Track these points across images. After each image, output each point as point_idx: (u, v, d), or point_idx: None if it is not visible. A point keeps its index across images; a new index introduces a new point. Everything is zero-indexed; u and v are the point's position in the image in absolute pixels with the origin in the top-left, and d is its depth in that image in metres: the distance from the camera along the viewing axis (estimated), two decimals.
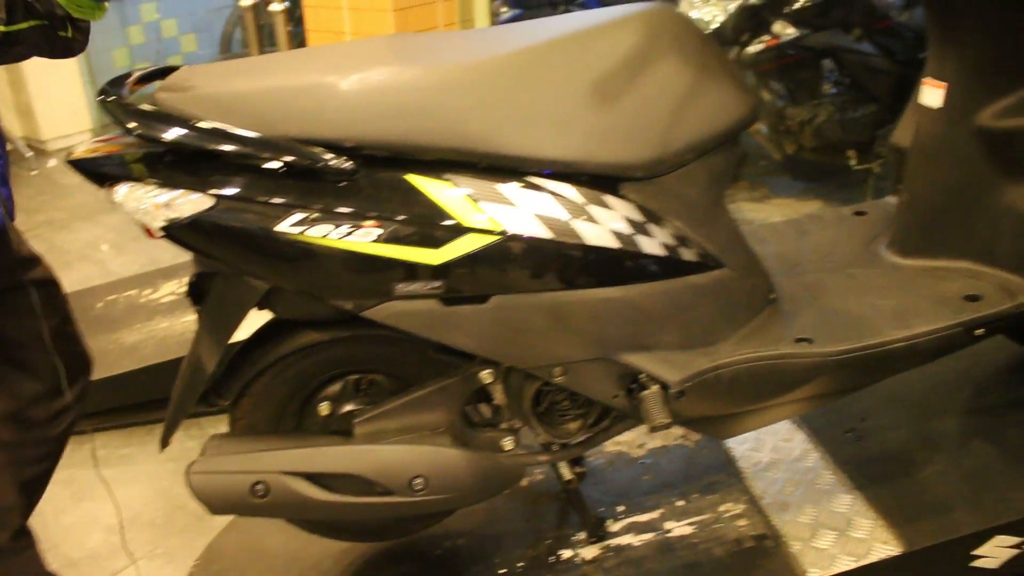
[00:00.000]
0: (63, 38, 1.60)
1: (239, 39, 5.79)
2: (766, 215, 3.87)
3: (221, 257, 1.43)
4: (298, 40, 4.27)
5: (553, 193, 1.45)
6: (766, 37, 3.61)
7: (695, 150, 1.54)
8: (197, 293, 1.56)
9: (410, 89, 1.41)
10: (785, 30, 3.59)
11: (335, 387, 1.68)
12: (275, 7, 3.76)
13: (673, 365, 1.59)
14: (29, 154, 5.05)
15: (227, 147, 1.36)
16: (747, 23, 3.61)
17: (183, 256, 1.46)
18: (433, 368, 1.64)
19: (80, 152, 1.42)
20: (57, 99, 5.17)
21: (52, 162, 5.08)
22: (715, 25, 3.62)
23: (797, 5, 3.55)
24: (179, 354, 2.44)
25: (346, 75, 1.41)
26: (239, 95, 1.40)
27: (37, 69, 4.90)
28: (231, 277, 1.49)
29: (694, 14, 3.67)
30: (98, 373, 1.94)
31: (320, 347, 1.61)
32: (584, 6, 5.04)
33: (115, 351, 2.76)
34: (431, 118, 1.41)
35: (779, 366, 1.65)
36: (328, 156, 1.37)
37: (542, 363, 1.56)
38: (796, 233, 2.14)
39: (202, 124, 1.36)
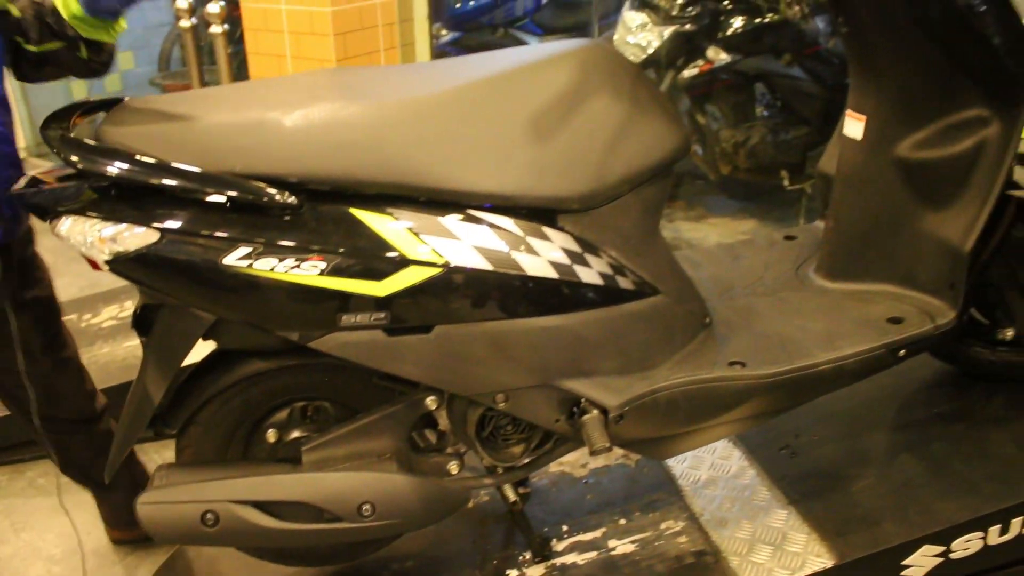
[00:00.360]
0: (82, 59, 1.61)
1: (178, 57, 5.73)
2: (703, 234, 3.95)
3: (167, 290, 1.44)
4: (238, 60, 4.23)
5: (493, 226, 1.48)
6: (700, 62, 3.70)
7: (629, 183, 1.58)
8: (142, 324, 1.55)
9: (352, 125, 1.44)
10: (718, 55, 3.68)
11: (282, 414, 1.69)
12: (215, 29, 3.72)
13: (612, 390, 1.63)
14: None
15: (171, 182, 1.37)
16: (682, 49, 3.69)
17: (123, 280, 1.46)
18: (379, 395, 1.66)
19: (22, 185, 1.42)
20: None
21: None
22: (651, 51, 3.69)
23: (730, 31, 3.64)
24: (122, 379, 2.44)
25: (289, 111, 1.42)
26: (183, 130, 1.41)
27: None
28: (177, 309, 1.49)
29: (630, 39, 3.73)
30: None
31: (266, 375, 1.62)
32: (523, 28, 5.10)
33: None
34: (373, 153, 1.43)
35: (714, 389, 1.69)
36: (272, 191, 1.39)
37: (485, 390, 1.59)
38: (729, 257, 2.19)
39: (145, 159, 1.37)
